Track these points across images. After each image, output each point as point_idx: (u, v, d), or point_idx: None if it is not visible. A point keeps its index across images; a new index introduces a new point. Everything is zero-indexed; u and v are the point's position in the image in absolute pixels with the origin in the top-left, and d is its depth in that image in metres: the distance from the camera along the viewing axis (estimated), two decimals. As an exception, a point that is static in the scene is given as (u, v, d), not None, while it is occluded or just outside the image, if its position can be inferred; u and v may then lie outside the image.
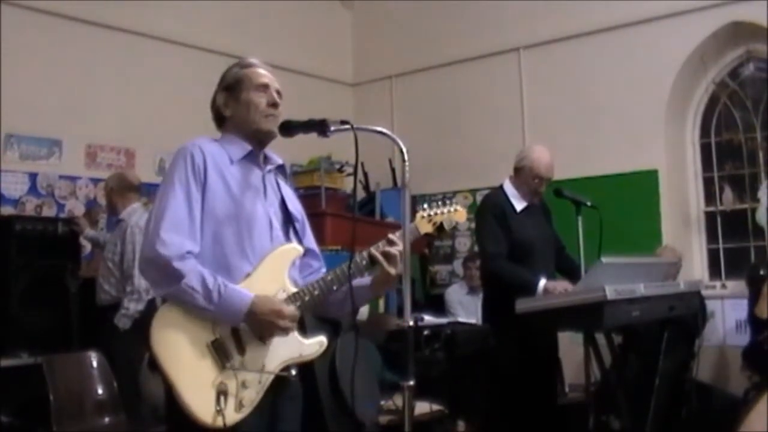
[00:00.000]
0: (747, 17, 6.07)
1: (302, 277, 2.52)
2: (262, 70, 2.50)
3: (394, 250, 2.39)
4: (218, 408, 2.17)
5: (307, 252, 2.53)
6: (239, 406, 2.23)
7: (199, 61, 6.39)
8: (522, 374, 4.02)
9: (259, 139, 2.46)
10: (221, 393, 2.19)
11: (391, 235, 2.42)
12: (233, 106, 2.47)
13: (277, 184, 2.53)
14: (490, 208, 4.27)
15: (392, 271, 2.39)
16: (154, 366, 2.22)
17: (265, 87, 2.46)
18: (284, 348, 2.34)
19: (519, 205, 4.25)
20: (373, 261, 2.40)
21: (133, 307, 4.80)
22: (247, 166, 2.44)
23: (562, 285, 3.97)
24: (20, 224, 5.27)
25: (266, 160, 2.51)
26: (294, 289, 2.38)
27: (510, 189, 4.29)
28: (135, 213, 5.06)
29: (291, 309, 2.30)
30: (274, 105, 2.45)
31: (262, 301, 2.27)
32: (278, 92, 2.49)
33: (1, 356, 4.65)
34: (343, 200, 7.33)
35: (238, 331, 2.28)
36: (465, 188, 7.27)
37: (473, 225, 5.09)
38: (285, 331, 2.30)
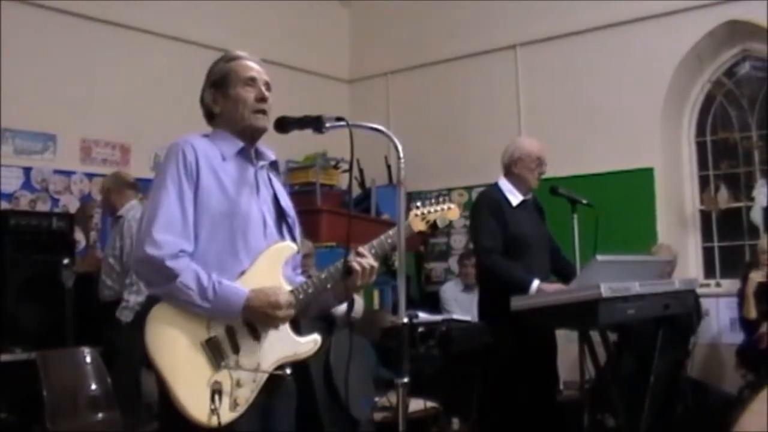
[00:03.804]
0: (743, 16, 6.07)
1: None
2: (249, 63, 2.46)
3: (366, 263, 2.36)
4: (213, 407, 2.16)
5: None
6: (234, 405, 2.22)
7: (195, 56, 6.34)
8: (519, 372, 4.01)
9: (250, 135, 2.44)
10: (216, 392, 2.18)
11: (361, 248, 2.41)
12: (222, 102, 2.43)
13: (269, 179, 2.50)
14: (485, 203, 4.26)
15: (358, 283, 2.38)
16: (147, 358, 2.21)
17: (252, 81, 2.42)
18: (279, 346, 2.33)
19: (515, 200, 4.24)
20: (349, 271, 2.37)
21: (133, 299, 4.82)
22: (240, 162, 2.41)
23: (555, 287, 3.97)
24: (14, 219, 5.26)
25: (258, 155, 2.48)
26: (288, 287, 2.36)
27: (505, 185, 4.28)
28: (132, 208, 5.08)
29: (286, 297, 2.29)
30: (262, 99, 2.42)
31: (258, 294, 2.26)
32: (267, 84, 2.45)
33: (-5, 352, 4.65)
34: (339, 197, 7.33)
35: (232, 330, 2.27)
36: (461, 185, 7.27)
37: (469, 222, 5.08)
38: (284, 320, 2.30)
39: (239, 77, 2.42)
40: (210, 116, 2.49)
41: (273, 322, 2.29)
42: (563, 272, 4.33)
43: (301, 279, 2.50)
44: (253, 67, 2.45)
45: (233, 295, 2.24)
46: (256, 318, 2.27)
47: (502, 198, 4.23)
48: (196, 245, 2.28)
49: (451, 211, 2.58)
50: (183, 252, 2.24)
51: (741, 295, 5.57)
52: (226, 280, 2.26)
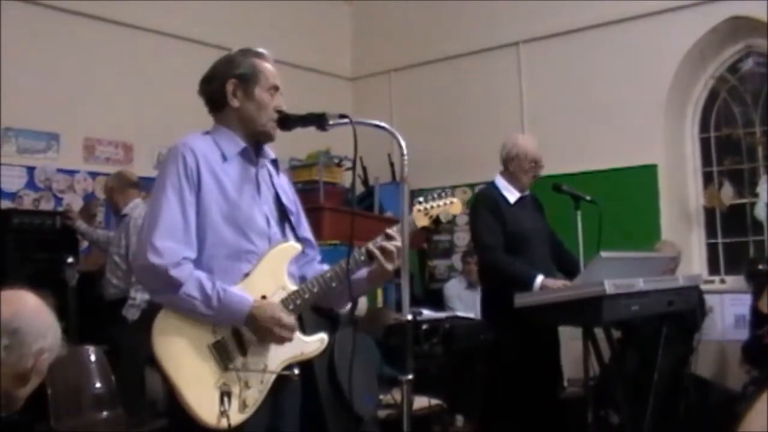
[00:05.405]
0: (746, 12, 6.05)
1: (298, 266, 2.49)
2: (273, 68, 2.44)
3: (391, 245, 2.37)
4: (222, 409, 2.17)
5: (302, 241, 2.50)
6: (243, 406, 2.23)
7: (198, 55, 6.34)
8: (523, 369, 4.01)
9: (257, 139, 2.43)
10: (224, 394, 2.19)
11: (389, 230, 2.40)
12: (242, 99, 2.39)
13: (270, 177, 2.48)
14: (483, 202, 4.27)
15: (389, 266, 2.37)
16: (154, 363, 2.21)
17: (276, 89, 2.41)
18: (286, 347, 2.32)
19: (512, 197, 4.25)
20: (371, 257, 2.38)
21: (140, 296, 4.84)
22: (241, 162, 2.39)
23: (559, 283, 3.96)
24: (18, 218, 5.28)
25: (259, 153, 2.46)
26: (293, 288, 2.36)
27: (501, 182, 4.29)
28: (137, 207, 5.12)
29: (291, 319, 2.28)
30: (280, 111, 2.41)
31: (263, 307, 2.25)
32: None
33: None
34: (342, 195, 7.32)
35: (239, 332, 2.27)
36: (463, 183, 7.26)
37: (469, 222, 5.08)
38: (282, 340, 2.28)
39: (267, 81, 2.40)
40: (218, 106, 2.43)
41: (272, 338, 2.27)
42: (567, 267, 4.33)
43: (323, 267, 2.49)
44: (276, 74, 2.43)
45: (238, 303, 2.23)
46: (258, 329, 2.25)
47: (499, 196, 4.24)
48: (200, 250, 2.27)
49: (454, 206, 2.57)
50: (185, 259, 2.22)
51: (757, 289, 5.52)
52: (231, 286, 2.25)
